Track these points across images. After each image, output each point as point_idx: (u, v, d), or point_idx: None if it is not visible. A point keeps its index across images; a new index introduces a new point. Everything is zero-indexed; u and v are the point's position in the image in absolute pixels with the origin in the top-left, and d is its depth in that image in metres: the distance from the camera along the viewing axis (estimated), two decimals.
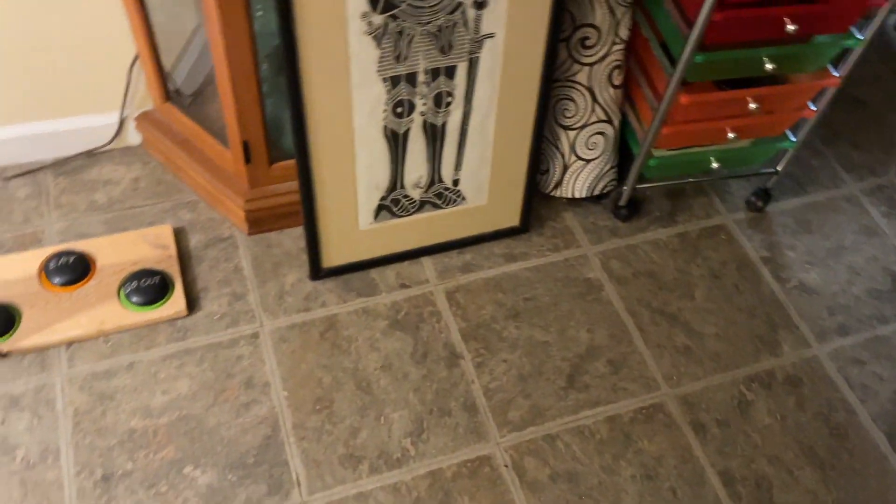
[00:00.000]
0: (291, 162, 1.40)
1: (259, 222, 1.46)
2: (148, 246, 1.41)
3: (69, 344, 1.29)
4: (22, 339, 1.26)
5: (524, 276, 1.48)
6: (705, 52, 1.26)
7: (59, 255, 1.35)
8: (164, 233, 1.43)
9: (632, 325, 1.44)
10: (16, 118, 1.47)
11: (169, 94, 1.48)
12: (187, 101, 1.55)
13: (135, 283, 1.34)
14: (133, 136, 1.57)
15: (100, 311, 1.31)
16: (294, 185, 1.43)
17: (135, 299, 1.32)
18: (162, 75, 1.44)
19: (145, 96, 1.52)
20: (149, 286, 1.34)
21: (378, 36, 1.14)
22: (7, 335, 1.25)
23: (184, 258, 1.43)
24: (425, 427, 1.27)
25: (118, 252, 1.39)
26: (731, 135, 1.43)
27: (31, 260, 1.35)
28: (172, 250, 1.41)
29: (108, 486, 1.15)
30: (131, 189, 1.52)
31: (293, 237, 1.49)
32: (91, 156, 1.55)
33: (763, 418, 1.34)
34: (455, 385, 1.32)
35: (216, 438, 1.21)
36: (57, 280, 1.33)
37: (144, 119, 1.53)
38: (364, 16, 1.10)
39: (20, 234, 1.42)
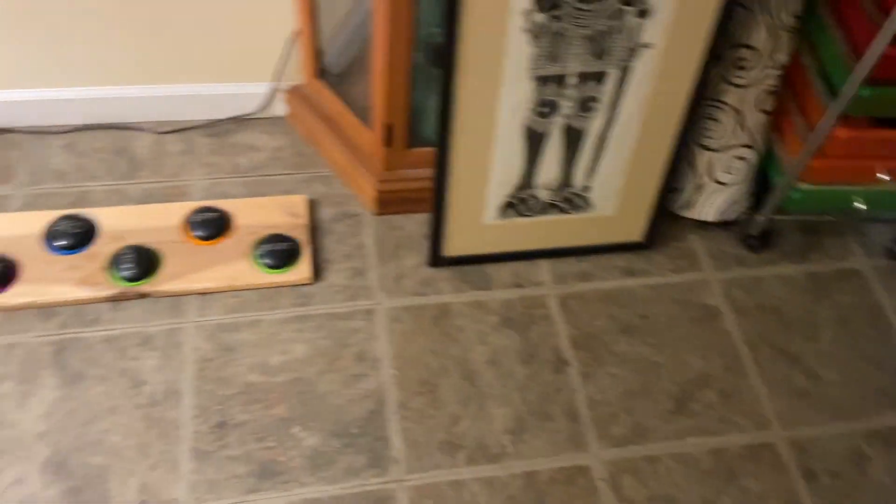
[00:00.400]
0: (428, 149, 1.44)
1: (387, 203, 1.51)
2: (282, 213, 1.47)
3: (202, 294, 1.37)
4: (161, 283, 1.35)
5: (641, 292, 1.46)
6: (872, 87, 1.20)
7: (202, 210, 1.44)
8: (299, 202, 1.50)
9: (748, 358, 1.39)
10: (176, 78, 1.57)
11: (320, 71, 1.55)
12: (332, 80, 1.61)
13: (267, 247, 1.40)
14: (280, 108, 1.65)
15: (233, 267, 1.38)
16: (426, 172, 1.46)
17: (266, 261, 1.39)
18: (317, 53, 1.50)
19: (297, 71, 1.59)
20: (280, 251, 1.40)
21: (536, 34, 1.15)
22: (148, 278, 1.34)
23: (313, 229, 1.49)
24: (525, 427, 1.27)
25: (255, 215, 1.46)
26: (883, 176, 1.36)
27: (177, 211, 1.44)
28: (304, 220, 1.47)
29: (223, 432, 1.21)
30: (272, 157, 1.60)
31: (416, 222, 1.53)
32: (239, 121, 1.64)
33: (881, 477, 1.26)
34: (559, 391, 1.32)
35: (325, 404, 1.26)
36: (198, 233, 1.41)
37: (293, 93, 1.60)
38: (527, 13, 1.12)
39: (169, 186, 1.52)
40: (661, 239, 1.54)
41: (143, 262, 1.35)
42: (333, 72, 1.63)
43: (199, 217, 1.43)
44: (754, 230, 1.52)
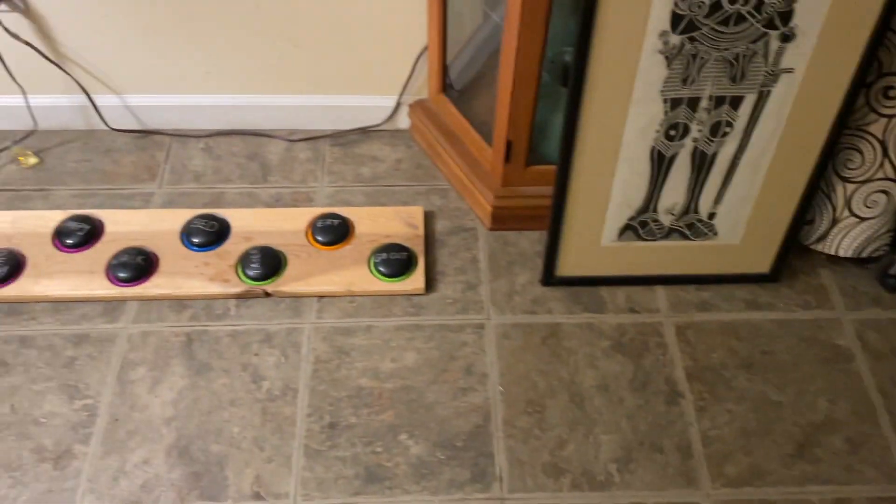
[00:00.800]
0: (548, 168, 1.43)
1: (502, 219, 1.51)
2: (400, 223, 1.51)
3: (320, 297, 1.42)
4: (284, 284, 1.41)
5: (766, 327, 1.39)
6: None
7: (325, 217, 1.50)
8: (416, 213, 1.53)
9: (881, 405, 1.29)
10: (309, 90, 1.64)
11: (445, 86, 1.58)
12: (454, 96, 1.64)
13: (384, 255, 1.44)
14: (403, 121, 1.69)
15: (351, 273, 1.43)
16: (543, 189, 1.45)
17: (382, 269, 1.42)
18: (444, 68, 1.54)
19: (422, 86, 1.63)
20: (396, 260, 1.43)
21: (670, 56, 1.12)
22: (273, 278, 1.41)
23: (429, 240, 1.51)
24: (634, 457, 1.23)
25: (374, 223, 1.51)
26: None
27: (303, 216, 1.51)
28: (420, 231, 1.50)
29: (333, 433, 1.25)
30: (393, 168, 1.64)
31: (530, 240, 1.52)
32: (364, 132, 1.70)
33: None
34: (671, 423, 1.27)
35: (432, 415, 1.27)
36: (320, 238, 1.47)
37: (417, 106, 1.64)
38: (662, 34, 1.10)
39: (297, 192, 1.59)
40: (790, 272, 1.47)
41: (269, 262, 1.42)
42: (456, 87, 1.66)
43: (323, 223, 1.48)
44: (894, 269, 1.41)
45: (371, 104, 1.66)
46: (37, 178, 1.58)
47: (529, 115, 1.33)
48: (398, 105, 1.66)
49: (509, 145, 1.39)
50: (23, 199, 1.54)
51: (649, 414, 1.29)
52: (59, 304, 1.38)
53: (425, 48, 1.54)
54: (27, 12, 1.47)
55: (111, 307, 1.38)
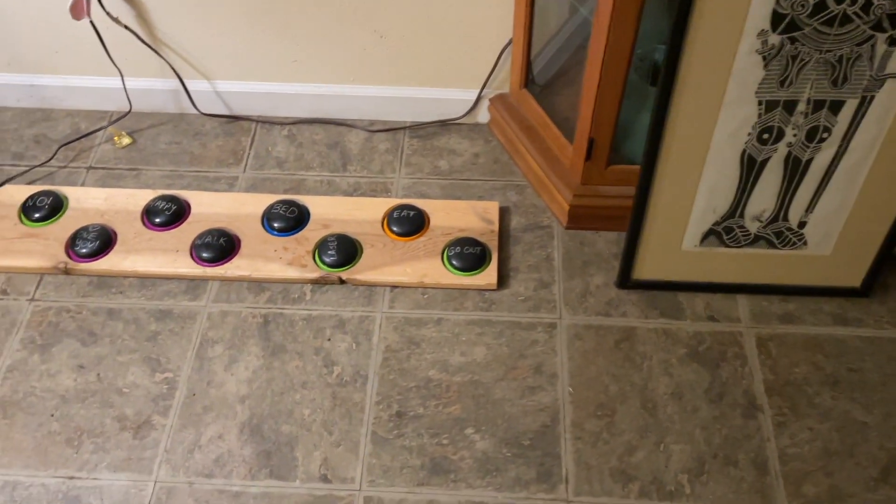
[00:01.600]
0: (629, 167, 1.40)
1: (579, 218, 1.49)
2: (475, 217, 1.51)
3: (393, 287, 1.43)
4: (358, 272, 1.42)
5: (853, 344, 1.32)
6: None
7: (401, 208, 1.51)
8: (492, 208, 1.52)
9: None
10: (392, 81, 1.65)
11: (527, 81, 1.56)
12: (536, 91, 1.62)
13: (458, 249, 1.44)
14: (482, 115, 1.68)
15: (424, 265, 1.43)
16: (623, 189, 1.42)
17: (455, 263, 1.42)
18: (527, 63, 1.52)
19: (504, 80, 1.62)
20: (470, 254, 1.43)
21: (769, 56, 1.08)
22: (349, 266, 1.43)
23: (503, 236, 1.50)
24: (706, 469, 1.19)
25: (449, 217, 1.51)
26: None
27: (380, 206, 1.52)
28: (495, 226, 1.49)
29: (400, 422, 1.26)
30: (470, 162, 1.64)
31: (607, 240, 1.49)
32: (443, 125, 1.70)
33: None
34: (748, 437, 1.23)
35: (499, 411, 1.27)
36: (396, 229, 1.48)
37: (498, 101, 1.63)
38: (761, 34, 1.05)
39: (375, 182, 1.61)
40: (882, 288, 1.39)
41: (345, 250, 1.44)
42: (538, 82, 1.64)
43: (399, 213, 1.49)
44: None
45: (451, 97, 1.66)
46: (129, 157, 1.65)
47: (614, 114, 1.30)
48: (479, 99, 1.65)
49: (591, 143, 1.36)
50: (116, 177, 1.61)
51: (724, 426, 1.24)
52: (146, 280, 1.43)
53: (510, 42, 1.53)
54: None
55: (193, 285, 1.43)
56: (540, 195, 1.56)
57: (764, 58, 1.08)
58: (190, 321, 1.38)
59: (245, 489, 1.19)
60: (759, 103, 1.13)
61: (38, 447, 1.23)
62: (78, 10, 1.48)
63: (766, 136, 1.17)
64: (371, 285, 1.43)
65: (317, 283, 1.43)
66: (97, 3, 1.49)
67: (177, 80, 1.65)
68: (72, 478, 1.20)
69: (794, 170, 1.21)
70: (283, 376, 1.31)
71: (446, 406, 1.28)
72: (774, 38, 1.06)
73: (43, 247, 1.45)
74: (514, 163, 1.63)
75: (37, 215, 1.50)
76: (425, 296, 1.42)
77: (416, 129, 1.70)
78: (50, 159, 1.63)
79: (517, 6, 1.43)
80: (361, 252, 1.45)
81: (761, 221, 1.30)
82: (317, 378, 1.31)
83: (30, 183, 1.59)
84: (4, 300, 1.41)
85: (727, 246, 1.34)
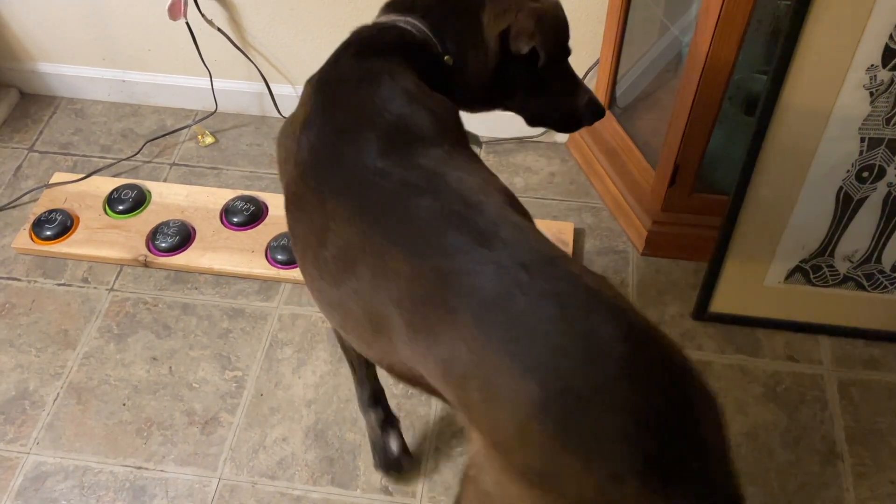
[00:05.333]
0: (714, 196, 1.36)
1: (657, 245, 1.46)
2: (549, 237, 1.49)
3: None
4: None
5: None
6: None
7: None
8: (567, 229, 1.50)
9: None
10: None
11: (611, 102, 1.54)
12: (617, 112, 1.60)
13: None
14: (561, 134, 1.67)
15: None
16: (706, 219, 1.38)
17: None
18: (613, 84, 1.50)
19: None
20: None
21: (876, 92, 1.03)
22: None
23: (576, 258, 1.48)
24: None
25: None
26: None
27: None
28: (570, 248, 1.47)
29: (464, 439, 1.24)
30: (546, 181, 1.62)
31: (685, 270, 1.46)
32: (521, 142, 1.69)
33: None
34: (825, 486, 1.18)
35: None
36: None
37: None
38: (870, 69, 1.01)
39: None
40: None
41: None
42: (619, 104, 1.61)
43: None
44: None
45: None
46: (211, 156, 1.69)
47: (703, 141, 1.27)
48: None
49: (676, 169, 1.33)
50: (197, 175, 1.65)
51: (801, 472, 1.19)
52: (220, 278, 1.46)
53: (596, 62, 1.51)
54: (223, 0, 1.56)
55: (266, 286, 1.45)
56: (616, 219, 1.53)
57: (871, 94, 1.04)
58: (261, 321, 1.40)
59: (306, 493, 1.19)
60: (862, 140, 1.09)
61: (108, 435, 1.26)
62: (175, 11, 1.52)
63: (865, 174, 1.13)
64: None
65: None
66: (193, 5, 1.53)
67: (262, 84, 1.68)
68: (139, 468, 1.22)
69: (893, 211, 1.16)
70: (350, 384, 1.31)
71: None
72: (884, 74, 1.02)
73: (125, 239, 1.49)
74: (591, 184, 1.60)
75: (121, 207, 1.54)
76: None
77: (494, 144, 1.69)
78: (136, 154, 1.68)
79: (608, 27, 1.41)
80: None
81: (852, 262, 1.24)
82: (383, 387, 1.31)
83: (115, 175, 1.64)
84: (85, 288, 1.45)
85: (813, 284, 1.29)
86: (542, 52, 0.95)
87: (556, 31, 1.00)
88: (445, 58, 0.95)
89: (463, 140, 0.91)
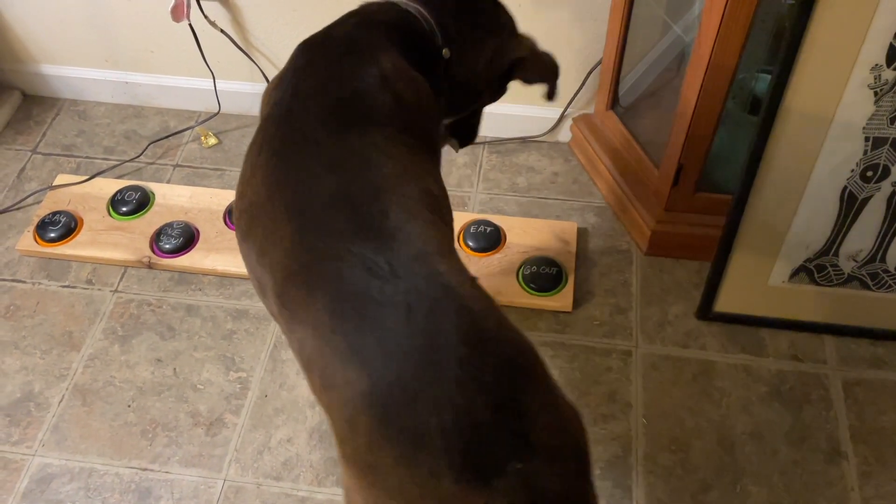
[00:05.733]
0: (718, 196, 1.36)
1: (660, 245, 1.45)
2: (552, 237, 1.49)
3: None
4: None
5: None
6: None
7: (478, 223, 1.50)
8: (570, 229, 1.50)
9: None
10: None
11: (613, 102, 1.54)
12: (620, 112, 1.60)
13: (534, 268, 1.42)
14: (563, 134, 1.67)
15: (498, 282, 1.42)
16: (710, 219, 1.38)
17: (530, 282, 1.41)
18: (616, 84, 1.50)
19: (589, 100, 1.60)
20: (546, 274, 1.41)
21: (881, 92, 1.03)
22: None
23: (580, 257, 1.48)
24: None
25: (526, 235, 1.49)
26: None
27: (456, 220, 1.49)
28: (573, 248, 1.47)
29: None
30: (549, 181, 1.62)
31: (688, 269, 1.46)
32: (524, 142, 1.69)
33: None
34: (830, 485, 1.18)
35: None
36: (472, 244, 1.47)
37: (581, 120, 1.61)
38: (874, 68, 1.01)
39: (451, 195, 1.59)
40: None
41: None
42: (623, 104, 1.61)
43: (475, 229, 1.49)
44: None
45: (534, 114, 1.64)
46: (214, 157, 1.69)
47: (707, 141, 1.27)
48: (562, 118, 1.63)
49: (680, 169, 1.33)
50: (201, 176, 1.65)
51: (805, 471, 1.19)
52: (224, 279, 1.46)
53: (599, 62, 1.51)
54: (225, 2, 1.56)
55: None
56: (619, 218, 1.53)
57: (875, 93, 1.04)
58: (265, 322, 1.40)
59: (311, 495, 1.19)
60: (866, 139, 1.09)
61: (113, 437, 1.26)
62: (178, 13, 1.52)
63: (870, 173, 1.12)
64: None
65: None
66: (196, 7, 1.53)
67: (265, 85, 1.68)
68: (145, 469, 1.22)
69: None
70: None
71: None
72: (888, 74, 1.02)
73: (129, 240, 1.50)
74: (594, 184, 1.60)
75: (124, 209, 1.54)
76: None
77: (496, 144, 1.69)
78: (139, 155, 1.68)
79: (611, 26, 1.41)
80: None
81: (856, 261, 1.24)
82: None
83: (118, 177, 1.64)
84: (90, 290, 1.45)
85: (817, 284, 1.29)
86: (554, 89, 1.15)
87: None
88: (444, 50, 0.99)
89: (416, 129, 0.91)
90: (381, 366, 0.67)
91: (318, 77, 0.90)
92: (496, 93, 1.14)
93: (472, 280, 0.75)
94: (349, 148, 0.83)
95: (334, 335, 0.71)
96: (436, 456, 0.63)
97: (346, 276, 0.72)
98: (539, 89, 1.16)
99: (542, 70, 1.12)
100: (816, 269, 1.26)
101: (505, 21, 1.07)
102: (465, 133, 1.20)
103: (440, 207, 0.86)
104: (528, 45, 1.10)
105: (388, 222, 0.76)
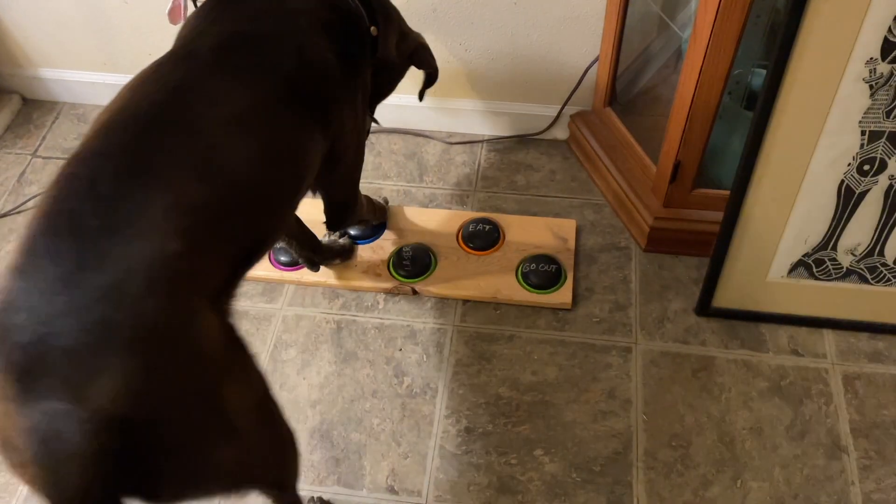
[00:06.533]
0: (716, 192, 1.36)
1: (659, 241, 1.45)
2: (551, 234, 1.49)
3: (465, 300, 1.42)
4: (432, 284, 1.42)
5: None
6: None
7: (477, 221, 1.50)
8: (568, 226, 1.50)
9: None
10: (474, 95, 1.65)
11: (611, 99, 1.54)
12: (618, 109, 1.60)
13: (533, 265, 1.42)
14: (561, 131, 1.67)
15: (498, 280, 1.42)
16: (708, 214, 1.38)
17: (530, 280, 1.41)
18: (613, 81, 1.50)
19: (587, 97, 1.60)
20: (545, 272, 1.41)
21: (876, 85, 1.03)
22: (422, 277, 1.43)
23: (578, 255, 1.48)
24: None
25: (524, 232, 1.49)
26: None
27: (455, 218, 1.52)
28: (571, 244, 1.47)
29: (469, 437, 1.25)
30: (547, 179, 1.62)
31: (687, 265, 1.46)
32: (521, 140, 1.69)
33: None
34: (830, 479, 1.17)
35: (570, 434, 1.24)
36: (470, 242, 1.47)
37: (579, 117, 1.61)
38: (870, 62, 1.01)
39: (450, 193, 1.61)
40: None
41: (420, 261, 1.44)
42: (620, 100, 1.61)
43: (474, 227, 1.49)
44: None
45: (532, 112, 1.65)
46: None
47: (704, 137, 1.27)
48: (559, 115, 1.63)
49: (677, 165, 1.33)
50: None
51: (806, 466, 1.19)
52: None
53: (595, 59, 1.51)
54: None
55: (270, 288, 1.45)
56: (618, 215, 1.53)
57: (871, 86, 1.04)
58: (265, 323, 1.40)
59: (312, 494, 1.19)
60: (863, 133, 1.09)
61: None
62: (175, 15, 1.53)
63: (866, 167, 1.12)
64: (444, 298, 1.42)
65: (390, 292, 1.43)
66: (193, 9, 1.54)
67: None
68: None
69: (895, 204, 1.16)
70: (354, 384, 1.32)
71: (516, 425, 1.26)
72: (884, 67, 1.02)
73: None
74: (593, 181, 1.60)
75: None
76: (498, 311, 1.41)
77: (494, 142, 1.69)
78: None
79: (607, 23, 1.41)
80: (436, 264, 1.45)
81: (855, 255, 1.24)
82: (387, 387, 1.31)
83: None
84: None
85: (816, 278, 1.28)
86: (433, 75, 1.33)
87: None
88: (371, 28, 1.10)
89: (286, 94, 0.95)
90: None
91: (237, 12, 0.99)
92: (400, 76, 1.28)
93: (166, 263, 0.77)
94: (201, 84, 0.89)
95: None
96: None
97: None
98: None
99: (432, 60, 1.29)
100: (815, 264, 1.26)
101: (394, 10, 1.19)
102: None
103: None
104: (417, 34, 1.26)
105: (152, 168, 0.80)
